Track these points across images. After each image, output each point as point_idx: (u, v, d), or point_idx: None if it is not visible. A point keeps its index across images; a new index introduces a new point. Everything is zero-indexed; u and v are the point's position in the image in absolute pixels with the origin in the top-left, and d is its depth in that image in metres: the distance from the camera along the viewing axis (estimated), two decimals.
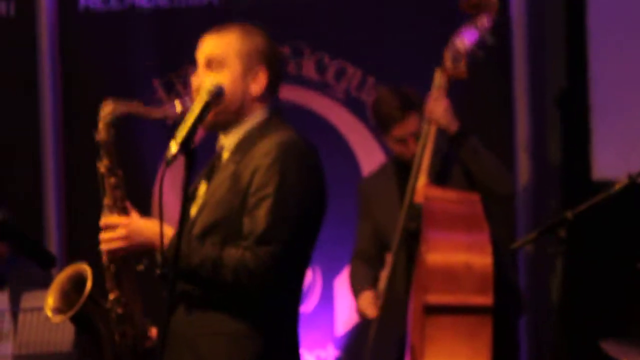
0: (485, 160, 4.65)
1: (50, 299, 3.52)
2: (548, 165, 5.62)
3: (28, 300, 5.24)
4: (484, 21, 4.66)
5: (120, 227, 3.39)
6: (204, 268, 3.25)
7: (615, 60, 5.38)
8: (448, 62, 4.60)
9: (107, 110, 3.46)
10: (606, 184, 4.09)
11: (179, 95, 5.35)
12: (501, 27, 5.10)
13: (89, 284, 3.41)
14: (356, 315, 5.09)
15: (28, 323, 5.19)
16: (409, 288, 4.56)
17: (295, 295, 3.50)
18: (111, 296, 3.48)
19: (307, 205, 3.37)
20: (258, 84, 3.41)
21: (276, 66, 3.48)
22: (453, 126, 4.59)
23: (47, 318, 4.17)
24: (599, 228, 4.39)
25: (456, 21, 4.75)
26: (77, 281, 3.47)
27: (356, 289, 4.91)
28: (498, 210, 4.71)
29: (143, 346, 3.52)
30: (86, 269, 3.44)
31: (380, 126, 4.87)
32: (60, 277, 3.54)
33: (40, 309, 4.97)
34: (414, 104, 4.72)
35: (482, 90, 5.40)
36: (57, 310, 3.50)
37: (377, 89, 5.09)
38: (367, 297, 4.74)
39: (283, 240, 3.26)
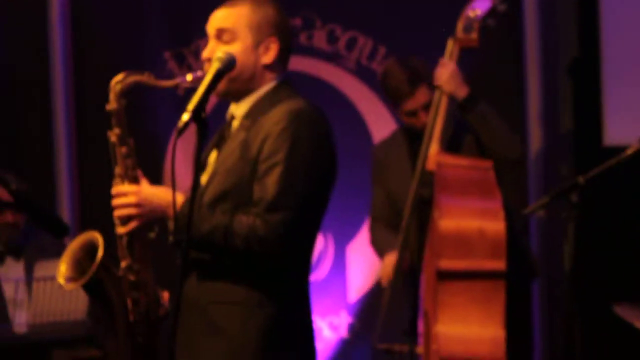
0: (493, 125, 4.63)
1: (63, 267, 3.51)
2: (559, 132, 5.62)
3: (42, 269, 5.26)
4: None
5: (131, 195, 3.38)
6: (214, 235, 3.25)
7: (626, 28, 5.39)
8: (460, 31, 4.61)
9: (118, 79, 3.45)
10: (618, 150, 4.06)
11: (190, 68, 5.33)
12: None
13: (100, 252, 3.39)
14: (369, 280, 5.10)
15: (42, 292, 5.21)
16: (421, 254, 4.57)
17: (305, 262, 3.50)
18: (123, 264, 3.46)
19: (317, 173, 3.36)
20: (269, 54, 3.40)
21: (287, 37, 3.48)
22: (461, 92, 4.59)
23: (60, 287, 4.17)
24: (611, 193, 4.36)
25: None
26: (89, 249, 3.46)
27: (381, 252, 4.95)
28: (509, 176, 4.70)
29: (156, 313, 3.51)
30: (98, 237, 3.43)
31: (390, 100, 4.87)
32: (73, 246, 3.53)
33: (54, 278, 4.98)
34: (422, 77, 4.72)
35: (493, 59, 5.41)
36: (70, 279, 3.49)
37: (386, 60, 5.04)
38: (391, 261, 4.73)
39: (293, 207, 3.26)
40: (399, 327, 4.73)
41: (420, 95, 4.69)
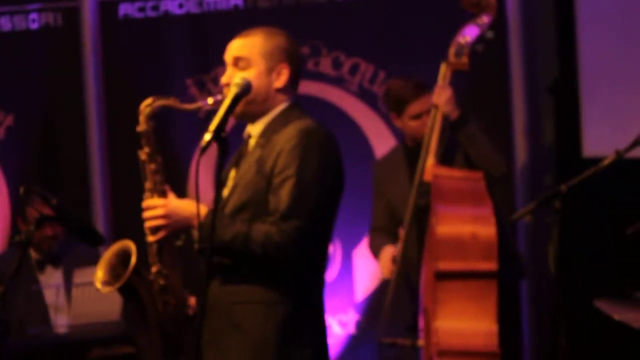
0: (481, 145, 4.63)
1: (99, 273, 3.54)
2: (543, 145, 5.62)
3: (79, 276, 5.24)
4: (484, 19, 4.67)
5: (159, 208, 3.41)
6: (235, 243, 3.26)
7: (601, 51, 5.38)
8: (452, 56, 4.59)
9: (147, 104, 3.48)
10: (596, 160, 4.07)
11: (210, 93, 5.35)
12: (499, 24, 5.12)
13: (133, 259, 3.42)
14: (374, 281, 5.11)
15: (80, 296, 5.20)
16: (420, 257, 4.56)
17: (319, 264, 3.51)
18: (154, 269, 3.50)
19: (325, 185, 3.38)
20: (281, 79, 3.43)
21: (296, 63, 3.50)
22: (454, 114, 4.58)
23: (97, 291, 4.19)
24: (591, 199, 4.36)
25: (459, 20, 4.73)
26: (123, 256, 3.49)
27: (377, 253, 4.92)
28: (496, 187, 4.69)
29: (184, 314, 3.53)
30: (131, 245, 3.46)
31: (396, 107, 4.84)
32: (108, 253, 3.56)
33: (91, 284, 4.98)
34: (426, 85, 4.74)
35: (482, 81, 5.41)
36: (106, 283, 3.52)
37: (388, 80, 5.06)
38: (387, 253, 4.75)
39: (305, 216, 3.28)
40: (402, 323, 4.74)
41: (425, 100, 4.70)
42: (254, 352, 3.32)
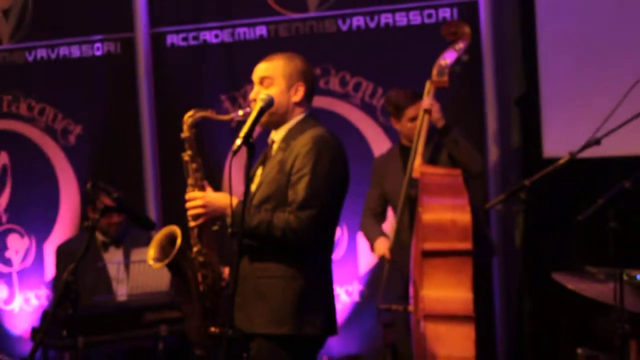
0: (462, 148, 4.64)
1: (151, 252, 3.57)
2: (510, 148, 5.59)
3: (136, 254, 5.28)
4: (461, 45, 4.72)
5: (199, 199, 3.43)
6: (260, 228, 3.27)
7: (558, 71, 5.36)
8: (435, 75, 4.64)
9: (189, 115, 3.50)
10: (553, 160, 4.06)
11: (240, 106, 5.35)
12: (473, 49, 5.09)
13: (179, 240, 3.46)
14: (373, 256, 5.11)
15: (136, 271, 5.23)
16: (410, 239, 4.57)
17: (329, 246, 3.51)
18: (195, 249, 3.52)
19: (334, 181, 3.39)
20: (298, 95, 3.45)
21: (310, 82, 3.52)
22: (440, 122, 4.61)
23: (150, 267, 4.19)
24: (549, 191, 4.37)
25: (440, 46, 4.75)
26: (170, 238, 3.52)
27: (370, 237, 4.92)
28: (473, 182, 4.69)
29: (219, 285, 3.54)
30: (176, 229, 3.50)
31: (396, 112, 4.83)
32: (158, 236, 3.59)
33: (145, 261, 4.99)
34: (419, 94, 4.72)
35: (460, 95, 5.37)
36: (157, 260, 3.55)
37: (387, 92, 5.06)
38: (382, 242, 4.74)
39: (317, 206, 3.29)
40: (396, 292, 4.75)
41: (419, 105, 4.68)
42: (273, 316, 3.33)
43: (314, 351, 3.49)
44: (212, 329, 3.46)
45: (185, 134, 3.50)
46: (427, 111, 4.56)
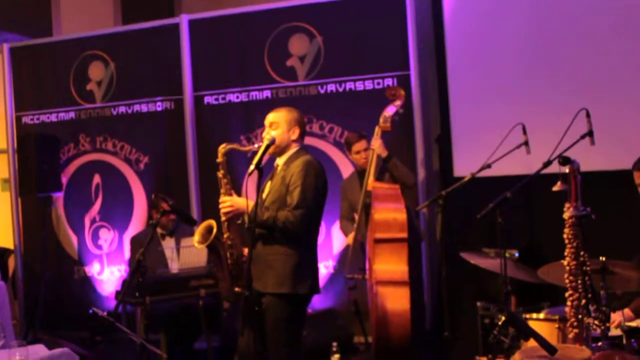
0: (400, 170, 4.63)
1: (196, 237, 3.55)
2: (432, 170, 5.61)
3: (184, 242, 5.28)
4: (398, 102, 4.71)
5: (228, 201, 3.45)
6: (268, 221, 3.30)
7: (464, 117, 5.35)
8: (381, 122, 4.64)
9: (222, 147, 3.52)
10: (460, 178, 4.09)
11: (253, 143, 5.35)
12: (407, 104, 5.12)
13: (215, 230, 3.44)
14: (345, 242, 5.11)
15: (184, 253, 5.22)
16: (366, 231, 4.55)
17: (315, 233, 3.52)
18: (225, 235, 3.50)
19: (317, 191, 3.41)
20: (294, 135, 3.47)
21: (303, 126, 3.54)
22: (384, 153, 4.60)
23: (193, 250, 4.20)
24: (458, 199, 4.35)
25: (384, 103, 4.74)
26: (209, 229, 3.50)
27: (345, 232, 4.95)
28: (408, 193, 4.69)
29: (241, 260, 3.53)
30: (213, 222, 3.48)
31: (348, 146, 4.85)
32: (200, 227, 3.57)
33: (191, 246, 5.04)
34: (363, 135, 4.75)
35: (398, 135, 5.31)
36: (200, 242, 3.52)
37: (349, 134, 5.05)
38: (351, 234, 4.74)
39: (306, 207, 3.32)
40: (358, 266, 4.71)
41: (362, 143, 4.73)
42: (277, 281, 3.33)
43: (304, 305, 3.49)
44: (237, 289, 3.46)
45: (219, 159, 3.49)
46: (372, 149, 4.59)
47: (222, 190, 3.49)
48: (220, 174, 3.50)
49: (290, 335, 3.37)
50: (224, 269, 3.52)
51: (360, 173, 4.78)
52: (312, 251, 3.48)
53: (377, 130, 4.61)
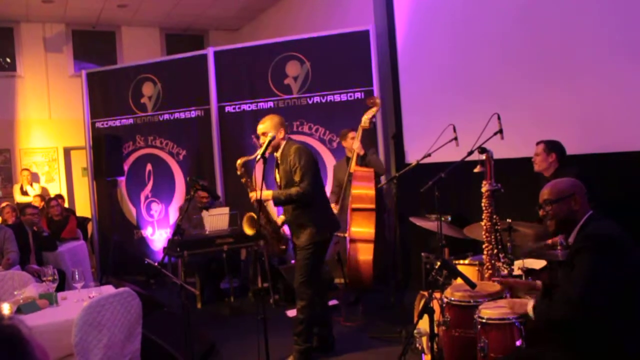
0: (374, 161, 4.58)
1: (245, 226, 3.67)
2: (390, 159, 5.56)
3: (212, 212, 5.20)
4: (375, 108, 4.63)
5: (253, 194, 3.41)
6: (288, 197, 3.30)
7: (412, 122, 5.31)
8: (362, 122, 4.58)
9: (238, 162, 3.46)
10: (410, 164, 4.06)
11: (259, 146, 5.31)
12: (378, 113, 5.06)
13: (256, 217, 3.43)
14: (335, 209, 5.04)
15: (212, 220, 5.14)
16: (348, 202, 4.49)
17: (321, 192, 3.48)
18: (261, 215, 3.51)
19: (310, 167, 3.35)
20: (281, 134, 3.37)
21: (285, 126, 3.44)
22: (362, 152, 4.55)
23: (219, 216, 4.09)
24: (408, 179, 4.34)
25: (364, 109, 4.66)
26: (251, 218, 3.61)
27: (331, 201, 4.77)
28: (378, 177, 4.63)
29: (277, 228, 3.61)
30: (253, 214, 3.52)
31: (343, 137, 4.74)
32: (245, 218, 3.68)
33: (218, 214, 4.99)
34: (353, 129, 4.65)
35: (372, 134, 5.21)
36: (250, 230, 3.66)
37: (332, 134, 4.98)
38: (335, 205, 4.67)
39: (307, 180, 3.29)
40: (342, 227, 4.66)
41: (352, 134, 4.65)
42: (307, 241, 3.37)
43: (325, 248, 3.46)
44: (282, 247, 3.65)
45: (238, 171, 3.45)
46: (353, 148, 4.54)
47: (248, 190, 3.49)
48: (243, 180, 3.48)
49: (315, 262, 3.40)
50: (268, 238, 3.65)
51: (348, 159, 4.75)
52: (324, 204, 3.48)
53: (359, 128, 4.58)
